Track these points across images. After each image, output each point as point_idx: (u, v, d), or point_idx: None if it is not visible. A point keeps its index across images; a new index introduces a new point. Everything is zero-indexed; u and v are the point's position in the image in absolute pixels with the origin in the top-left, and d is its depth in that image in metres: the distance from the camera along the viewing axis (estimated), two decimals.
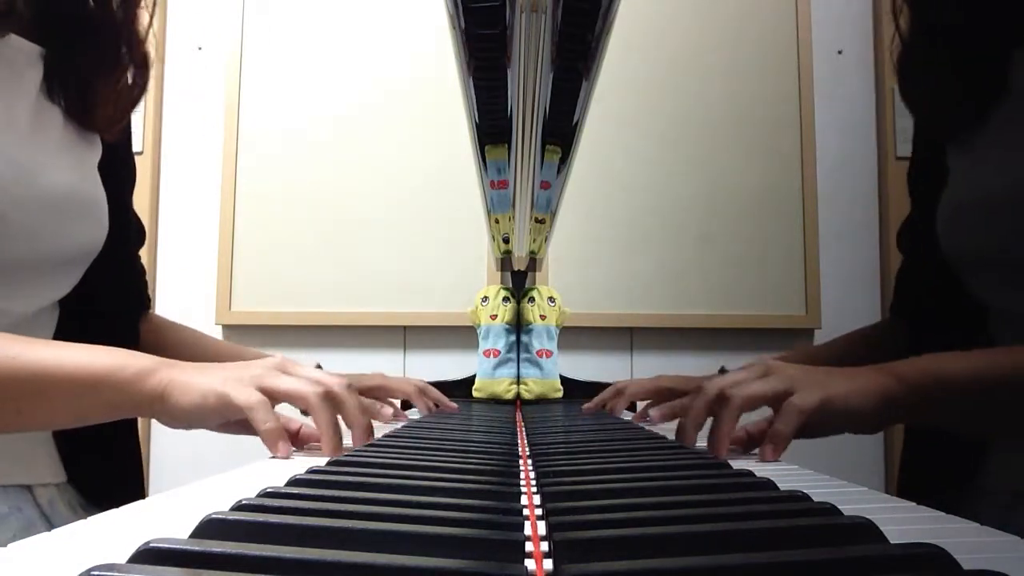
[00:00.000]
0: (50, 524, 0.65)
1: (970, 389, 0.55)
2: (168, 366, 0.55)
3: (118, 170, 0.76)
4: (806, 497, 0.34)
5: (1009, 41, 0.64)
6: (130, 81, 0.72)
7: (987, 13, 0.66)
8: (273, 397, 0.54)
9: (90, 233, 0.69)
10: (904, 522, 0.32)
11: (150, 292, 0.89)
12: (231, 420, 0.55)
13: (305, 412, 0.56)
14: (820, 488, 0.40)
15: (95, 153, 0.72)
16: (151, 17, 0.74)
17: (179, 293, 1.82)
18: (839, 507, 0.31)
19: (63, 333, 0.70)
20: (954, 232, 0.69)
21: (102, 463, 0.72)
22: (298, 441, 0.62)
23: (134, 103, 0.74)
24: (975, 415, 0.57)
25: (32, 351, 0.53)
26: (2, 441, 0.62)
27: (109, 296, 0.75)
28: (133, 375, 0.54)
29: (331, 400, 0.55)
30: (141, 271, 0.86)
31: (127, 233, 0.79)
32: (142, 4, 0.73)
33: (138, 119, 1.82)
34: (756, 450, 0.56)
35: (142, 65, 0.73)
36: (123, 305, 0.80)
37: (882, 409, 0.54)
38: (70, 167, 0.67)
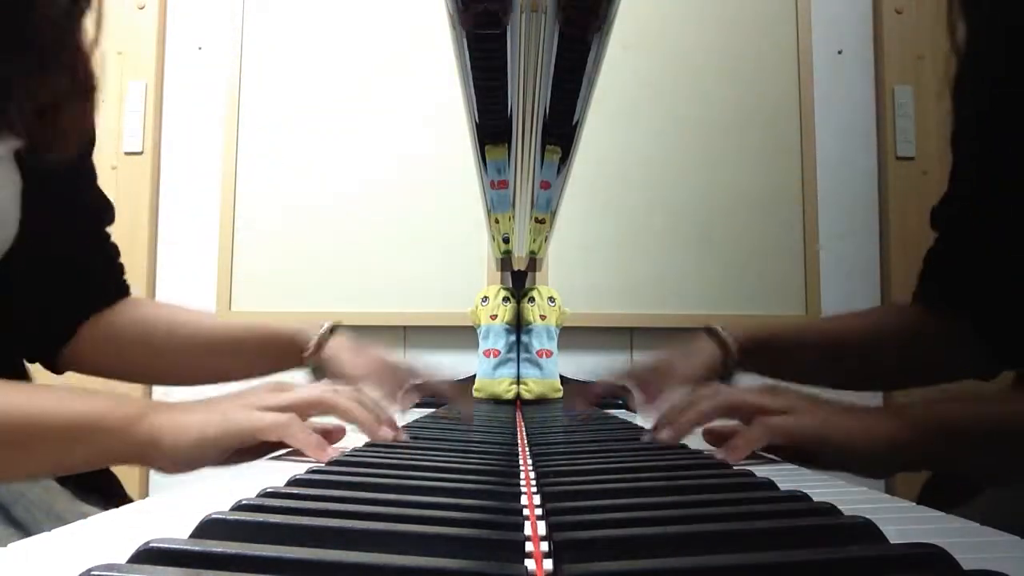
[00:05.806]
0: (27, 533, 0.60)
1: (981, 438, 0.51)
2: (155, 410, 0.51)
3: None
4: (806, 497, 0.34)
5: None
6: (67, 108, 0.60)
7: None
8: (294, 410, 0.52)
9: None
10: (904, 522, 0.32)
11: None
12: (241, 447, 0.52)
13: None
14: (820, 488, 0.40)
15: None
16: (97, 31, 0.62)
17: (179, 293, 1.82)
18: (839, 507, 0.31)
19: None
20: None
21: None
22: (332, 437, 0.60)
23: (82, 133, 0.62)
24: (985, 464, 0.53)
25: (4, 397, 0.48)
26: None
27: (29, 300, 0.68)
28: (120, 421, 0.50)
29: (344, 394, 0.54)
30: (104, 260, 0.75)
31: (47, 228, 0.68)
32: (90, 9, 0.61)
33: (138, 119, 1.82)
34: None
35: (86, 92, 0.62)
36: (53, 303, 0.71)
37: (888, 455, 0.50)
38: None
